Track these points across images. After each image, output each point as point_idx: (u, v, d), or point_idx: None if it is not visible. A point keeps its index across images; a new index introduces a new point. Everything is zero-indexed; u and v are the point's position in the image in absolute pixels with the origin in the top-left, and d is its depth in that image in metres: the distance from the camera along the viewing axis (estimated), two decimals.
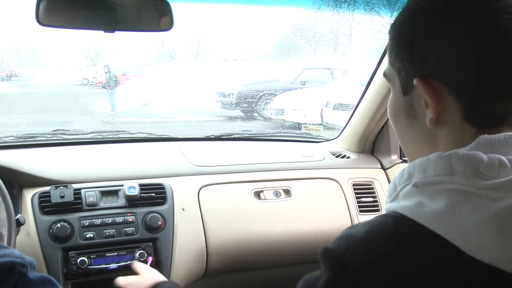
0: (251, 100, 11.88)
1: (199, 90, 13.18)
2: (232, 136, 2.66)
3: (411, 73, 0.83)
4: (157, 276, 1.53)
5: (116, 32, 1.59)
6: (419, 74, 0.81)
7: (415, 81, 0.82)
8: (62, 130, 2.47)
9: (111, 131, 2.55)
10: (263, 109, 11.57)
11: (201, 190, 2.02)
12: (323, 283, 0.75)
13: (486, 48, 0.76)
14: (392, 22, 0.89)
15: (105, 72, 13.65)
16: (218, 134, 2.64)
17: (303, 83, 12.14)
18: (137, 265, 1.60)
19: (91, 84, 18.26)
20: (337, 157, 2.46)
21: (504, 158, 0.75)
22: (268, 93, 11.81)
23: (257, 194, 2.09)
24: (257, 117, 11.58)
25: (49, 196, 1.79)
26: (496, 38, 0.76)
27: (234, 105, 12.11)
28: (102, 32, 1.59)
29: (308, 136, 2.88)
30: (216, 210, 1.99)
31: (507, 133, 0.78)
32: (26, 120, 10.08)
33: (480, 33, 0.76)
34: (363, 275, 0.73)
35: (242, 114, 11.97)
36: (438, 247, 0.72)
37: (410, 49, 0.83)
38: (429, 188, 0.78)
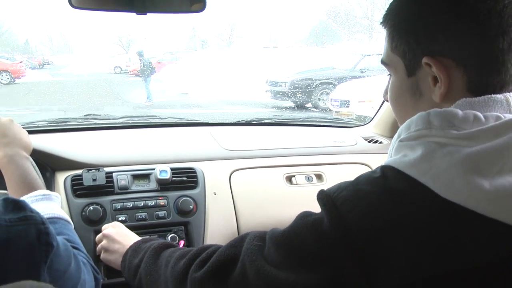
0: (306, 90, 11.02)
1: (244, 78, 12.46)
2: (263, 121, 2.64)
3: (419, 53, 0.91)
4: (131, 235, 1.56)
5: (148, 15, 1.58)
6: (427, 53, 0.89)
7: (424, 60, 0.89)
8: (93, 114, 2.49)
9: (142, 116, 2.56)
10: (319, 99, 10.74)
11: (232, 175, 2.01)
12: (316, 217, 0.88)
13: (489, 23, 0.84)
14: (386, 12, 0.98)
15: (139, 59, 13.20)
16: (248, 119, 2.63)
17: (362, 71, 11.30)
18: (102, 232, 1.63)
19: (125, 72, 18.22)
20: (369, 142, 2.43)
21: (479, 114, 0.84)
22: (324, 82, 10.98)
23: (289, 179, 2.07)
24: (311, 108, 10.77)
25: (82, 179, 1.80)
26: (496, 14, 0.83)
27: (286, 95, 11.23)
28: (134, 14, 1.58)
29: (340, 121, 2.85)
30: (247, 195, 1.97)
31: (488, 95, 0.87)
32: (58, 109, 10.06)
33: (482, 10, 0.84)
34: (345, 209, 0.84)
35: (294, 104, 11.13)
36: (414, 189, 0.81)
37: (416, 31, 0.91)
38: (411, 142, 0.88)
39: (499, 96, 0.86)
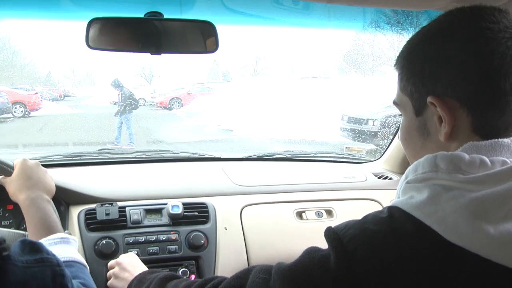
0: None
1: (299, 112, 11.09)
2: (274, 156, 2.67)
3: (425, 93, 0.93)
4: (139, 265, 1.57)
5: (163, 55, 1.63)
6: (432, 93, 0.92)
7: (429, 99, 0.91)
8: (108, 149, 2.54)
9: (155, 151, 2.60)
10: None
11: (243, 210, 2.04)
12: (323, 253, 0.89)
13: (491, 64, 0.85)
14: (398, 55, 1.01)
15: (118, 90, 10.41)
16: (260, 154, 2.66)
17: None
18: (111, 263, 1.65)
19: (150, 104, 17.72)
20: (379, 178, 2.44)
21: (485, 158, 0.85)
22: None
23: (299, 214, 2.09)
24: None
25: (95, 213, 1.83)
26: (498, 55, 0.85)
27: (373, 136, 8.76)
28: (149, 54, 1.63)
29: (350, 157, 2.87)
30: (258, 230, 1.99)
31: (494, 139, 0.88)
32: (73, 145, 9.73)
33: (484, 52, 0.86)
34: (351, 247, 0.85)
35: (376, 147, 8.09)
36: (419, 231, 0.82)
37: (422, 72, 0.94)
38: (418, 184, 0.89)
39: (505, 140, 0.87)
